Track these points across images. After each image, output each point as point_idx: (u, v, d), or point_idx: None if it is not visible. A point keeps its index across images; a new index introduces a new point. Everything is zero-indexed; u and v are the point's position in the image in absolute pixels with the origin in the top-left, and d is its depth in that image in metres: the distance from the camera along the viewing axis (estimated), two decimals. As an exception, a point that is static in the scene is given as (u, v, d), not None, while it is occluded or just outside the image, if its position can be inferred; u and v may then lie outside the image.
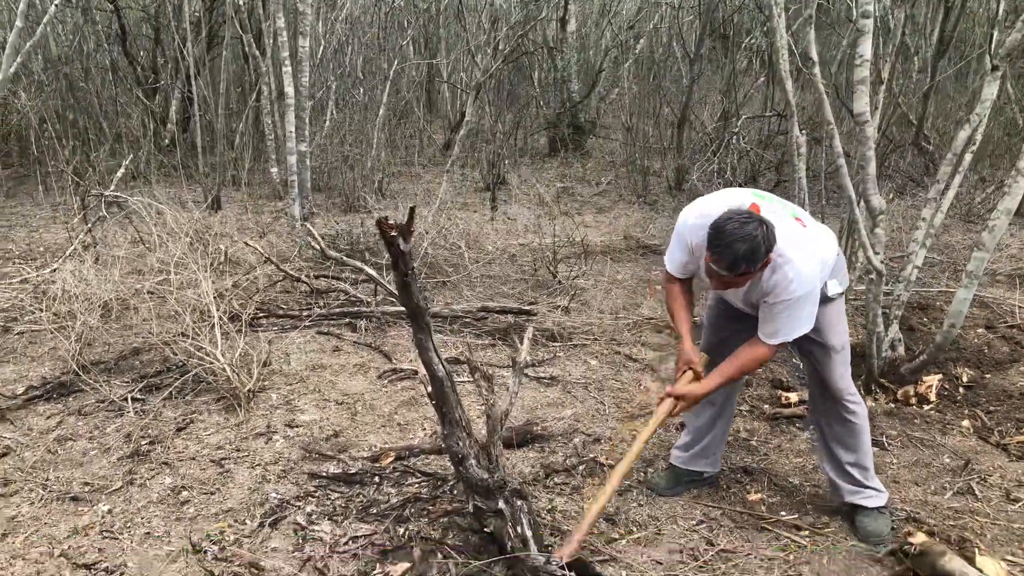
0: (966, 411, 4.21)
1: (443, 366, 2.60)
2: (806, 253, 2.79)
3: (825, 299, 3.00)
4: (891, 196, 7.86)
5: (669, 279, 3.21)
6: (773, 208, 2.87)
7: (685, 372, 3.11)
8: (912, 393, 4.38)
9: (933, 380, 4.45)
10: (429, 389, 2.86)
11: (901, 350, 4.61)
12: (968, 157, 4.35)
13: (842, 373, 3.11)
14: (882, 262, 4.18)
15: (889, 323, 4.53)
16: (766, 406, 4.30)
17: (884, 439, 3.88)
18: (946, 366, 4.69)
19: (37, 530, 3.13)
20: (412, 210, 2.14)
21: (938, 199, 4.44)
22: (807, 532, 3.15)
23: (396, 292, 2.37)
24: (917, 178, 9.37)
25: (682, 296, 3.17)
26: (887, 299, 4.57)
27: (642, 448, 3.02)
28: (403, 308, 5.52)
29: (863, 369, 4.50)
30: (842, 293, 3.07)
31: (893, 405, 4.30)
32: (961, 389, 4.48)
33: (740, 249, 2.61)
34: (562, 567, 2.65)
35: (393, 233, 2.09)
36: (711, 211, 2.81)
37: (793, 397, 4.28)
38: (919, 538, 2.85)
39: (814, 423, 3.31)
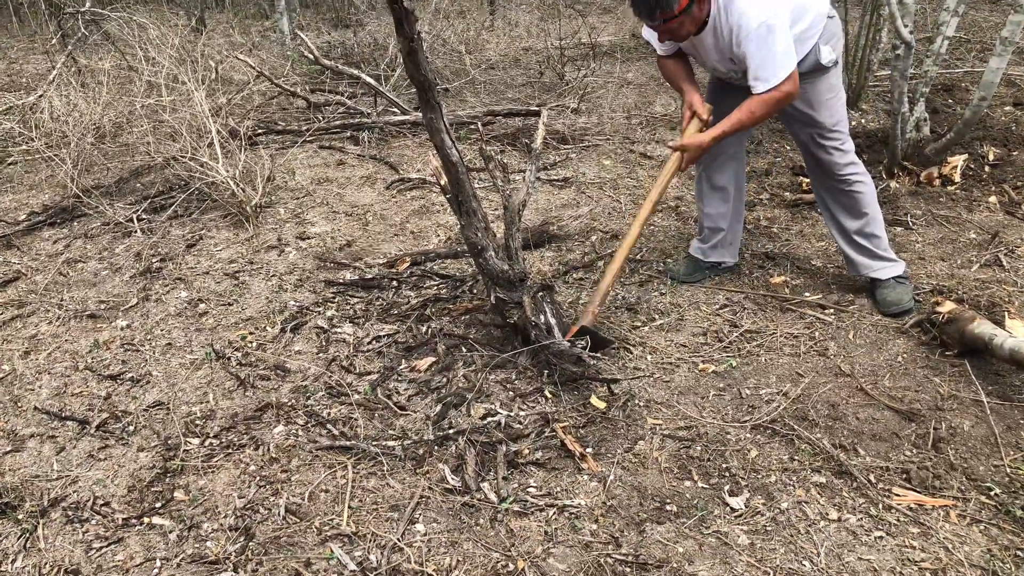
0: (992, 188, 4.09)
1: (456, 150, 2.46)
2: None
3: (818, 67, 2.83)
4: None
5: (660, 60, 3.12)
6: None
7: (691, 120, 2.98)
8: (936, 174, 4.24)
9: (958, 160, 4.29)
10: (443, 181, 2.74)
11: (926, 130, 4.42)
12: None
13: (837, 149, 2.97)
14: (911, 33, 3.92)
15: (915, 102, 4.32)
16: (787, 193, 4.19)
17: (908, 218, 3.79)
18: (971, 145, 4.52)
19: (59, 347, 3.13)
20: (413, -37, 1.92)
21: (974, -38, 4.09)
22: (832, 310, 3.12)
23: (403, 63, 2.19)
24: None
25: (677, 66, 3.06)
26: (913, 79, 4.33)
27: (655, 203, 2.93)
28: (405, 115, 5.33)
29: (886, 152, 4.35)
30: (836, 61, 2.87)
31: (917, 187, 4.17)
32: (987, 168, 4.33)
33: None
34: (584, 346, 2.65)
35: (394, -12, 1.88)
36: None
37: (814, 183, 4.15)
38: (947, 306, 2.80)
39: (819, 201, 3.22)
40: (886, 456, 2.35)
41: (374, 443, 2.49)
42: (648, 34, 3.01)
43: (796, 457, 2.37)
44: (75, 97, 4.93)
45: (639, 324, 3.11)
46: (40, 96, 5.30)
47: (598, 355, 2.80)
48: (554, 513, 2.21)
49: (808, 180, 4.19)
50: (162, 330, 3.21)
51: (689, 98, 2.99)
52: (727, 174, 3.27)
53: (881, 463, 2.32)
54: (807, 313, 3.11)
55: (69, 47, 5.94)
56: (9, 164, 4.92)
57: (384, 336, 3.10)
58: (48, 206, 4.36)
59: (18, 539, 2.19)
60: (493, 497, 2.27)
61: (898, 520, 2.13)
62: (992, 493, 2.20)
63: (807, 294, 3.25)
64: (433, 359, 2.93)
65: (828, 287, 3.28)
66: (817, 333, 2.98)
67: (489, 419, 2.57)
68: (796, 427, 2.47)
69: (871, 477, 2.27)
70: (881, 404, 2.56)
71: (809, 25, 2.76)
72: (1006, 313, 2.81)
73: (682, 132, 3.01)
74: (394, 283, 3.49)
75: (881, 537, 2.08)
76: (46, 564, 2.11)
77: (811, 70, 2.84)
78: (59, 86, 5.32)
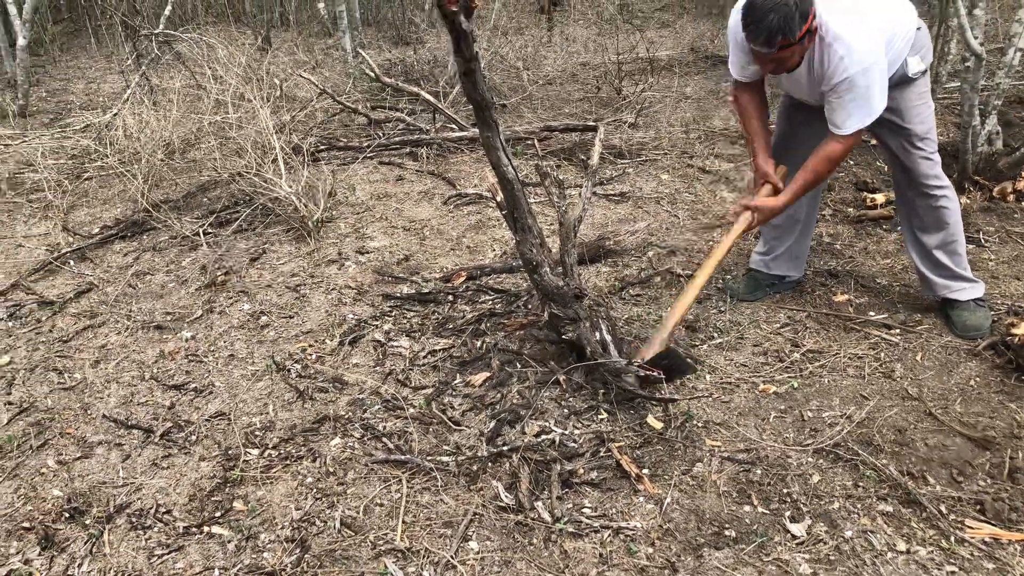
0: (1071, 204, 3.93)
1: (512, 167, 2.47)
2: (858, 27, 2.57)
3: (905, 79, 2.76)
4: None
5: (737, 88, 3.03)
6: None
7: (763, 185, 2.94)
8: (1010, 189, 4.10)
9: (1034, 175, 4.14)
10: (499, 198, 2.74)
11: (999, 144, 4.28)
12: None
13: (927, 158, 2.87)
14: (981, 45, 3.81)
15: (987, 115, 4.18)
16: (850, 209, 4.09)
17: (980, 235, 3.66)
18: (1048, 160, 4.35)
19: (126, 356, 3.22)
20: (473, -18, 1.94)
21: (1049, -29, 3.96)
22: (898, 331, 3.03)
23: (460, 83, 2.21)
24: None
25: (752, 106, 3.00)
26: (984, 92, 4.20)
27: (720, 260, 2.89)
28: (463, 131, 5.37)
29: (956, 167, 4.22)
30: (924, 71, 2.80)
31: (989, 203, 4.03)
32: (1064, 183, 4.17)
33: (772, 20, 2.46)
34: (645, 366, 2.61)
35: (453, 8, 1.90)
36: None
37: (879, 198, 4.05)
38: (1023, 328, 2.70)
39: (901, 216, 3.12)
40: (958, 485, 2.26)
41: (428, 458, 2.49)
42: (732, 60, 2.95)
43: (861, 484, 2.30)
44: (147, 115, 5.09)
45: (697, 343, 3.06)
46: (115, 115, 5.49)
47: (675, 380, 2.78)
48: (609, 535, 2.18)
49: (873, 196, 4.10)
50: (225, 342, 3.28)
51: (760, 163, 2.94)
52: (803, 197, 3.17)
53: (953, 493, 2.24)
54: (872, 333, 3.02)
55: (143, 67, 6.15)
56: (85, 179, 5.10)
57: (439, 350, 3.11)
58: (120, 220, 4.51)
59: (85, 544, 2.25)
60: (547, 516, 2.25)
61: (972, 555, 2.04)
62: (1070, 525, 2.10)
63: (872, 313, 3.16)
64: (487, 374, 2.93)
65: (894, 306, 3.19)
66: (883, 354, 2.90)
67: (543, 437, 2.56)
68: (861, 452, 2.40)
69: (942, 507, 2.19)
70: (952, 430, 2.47)
71: (900, 47, 2.71)
72: (1086, 336, 2.69)
73: (752, 193, 2.97)
74: (450, 297, 3.51)
75: (953, 572, 2.00)
76: (110, 569, 2.17)
77: (899, 82, 2.77)
78: (133, 104, 5.51)
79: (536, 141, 5.35)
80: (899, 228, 3.47)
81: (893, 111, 2.80)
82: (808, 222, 3.29)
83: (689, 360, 2.83)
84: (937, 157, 2.91)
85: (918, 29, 2.76)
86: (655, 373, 2.61)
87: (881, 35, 2.62)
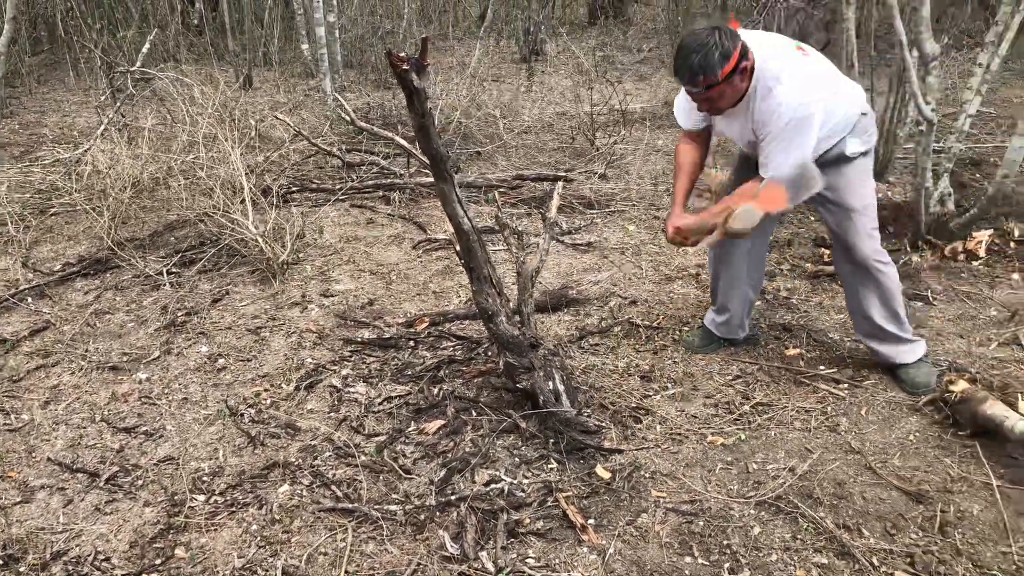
0: (1017, 264, 4.03)
1: (468, 219, 2.52)
2: (801, 81, 2.62)
3: (843, 159, 2.82)
4: (945, 48, 7.33)
5: (682, 138, 3.11)
6: (773, 41, 2.74)
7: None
8: (960, 249, 4.20)
9: (983, 236, 4.24)
10: (459, 247, 2.79)
11: (951, 205, 4.40)
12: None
13: (867, 234, 2.93)
14: (933, 111, 3.94)
15: (939, 177, 4.31)
16: (807, 264, 4.17)
17: (928, 293, 3.75)
18: (997, 221, 4.46)
19: (78, 398, 3.21)
20: (425, 41, 2.00)
21: (996, 43, 4.11)
22: (846, 385, 3.08)
23: (416, 137, 2.26)
24: (976, 34, 8.76)
25: (688, 161, 3.05)
26: (938, 154, 4.33)
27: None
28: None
29: (910, 226, 4.32)
30: (864, 153, 2.87)
31: (940, 262, 4.13)
32: (1012, 244, 4.27)
33: (694, 59, 2.56)
34: (597, 420, 2.64)
35: (404, 67, 1.95)
36: None
37: (836, 255, 4.13)
38: (960, 386, 2.76)
39: (847, 294, 3.15)
40: (891, 538, 2.30)
41: (376, 507, 2.50)
42: (679, 108, 3.03)
43: (799, 536, 2.33)
44: (119, 152, 5.11)
45: (651, 393, 3.10)
46: (85, 151, 5.52)
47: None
48: (549, 586, 2.19)
49: (830, 252, 4.18)
50: (180, 384, 3.28)
51: (674, 210, 3.00)
52: (739, 252, 3.22)
53: (885, 545, 2.27)
54: (821, 387, 3.08)
55: (118, 103, 6.19)
56: (51, 215, 5.10)
57: (396, 397, 3.13)
58: (83, 257, 4.51)
59: (19, 591, 2.23)
60: (491, 567, 2.26)
61: (900, 608, 2.08)
62: (1000, 584, 2.14)
63: (822, 367, 3.22)
64: (442, 422, 2.95)
65: (843, 361, 3.25)
66: (829, 408, 2.95)
67: (492, 486, 2.57)
68: (800, 505, 2.43)
69: (874, 560, 2.22)
70: (889, 484, 2.51)
71: (837, 123, 2.74)
72: (1020, 395, 2.75)
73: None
74: (411, 343, 3.53)
75: (882, 626, 2.03)
76: (45, 616, 2.14)
77: (835, 159, 2.83)
78: (105, 141, 5.53)
79: (496, 194, 5.41)
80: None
81: (832, 188, 2.84)
82: (750, 288, 3.31)
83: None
84: (877, 233, 2.96)
85: (863, 114, 2.80)
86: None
87: (823, 91, 2.65)
